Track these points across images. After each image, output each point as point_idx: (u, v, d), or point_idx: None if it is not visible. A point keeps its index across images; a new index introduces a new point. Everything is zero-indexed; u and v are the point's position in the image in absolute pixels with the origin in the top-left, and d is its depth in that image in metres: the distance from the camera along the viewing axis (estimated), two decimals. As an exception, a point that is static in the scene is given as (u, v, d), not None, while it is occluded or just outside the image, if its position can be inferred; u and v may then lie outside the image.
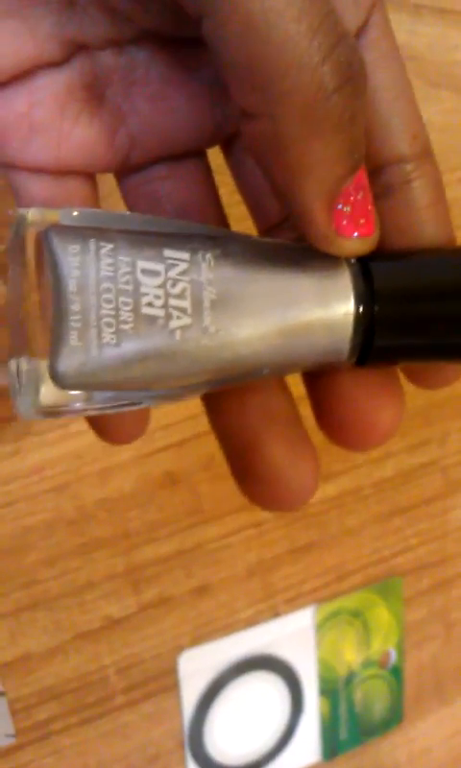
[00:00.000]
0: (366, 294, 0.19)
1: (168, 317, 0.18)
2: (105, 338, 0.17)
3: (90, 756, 0.41)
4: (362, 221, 0.18)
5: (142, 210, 0.21)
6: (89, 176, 0.21)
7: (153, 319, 0.18)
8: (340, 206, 0.18)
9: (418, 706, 0.50)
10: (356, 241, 0.18)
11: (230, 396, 0.21)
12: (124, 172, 0.21)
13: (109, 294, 0.18)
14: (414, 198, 0.19)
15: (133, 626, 0.40)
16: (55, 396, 0.18)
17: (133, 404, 0.19)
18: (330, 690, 0.47)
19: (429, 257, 0.20)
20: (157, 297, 0.18)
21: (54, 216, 0.18)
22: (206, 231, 0.19)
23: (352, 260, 0.19)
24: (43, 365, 0.18)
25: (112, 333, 0.18)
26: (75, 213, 0.19)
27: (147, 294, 0.18)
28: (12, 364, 0.18)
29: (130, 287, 0.18)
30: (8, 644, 0.38)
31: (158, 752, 0.43)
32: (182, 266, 0.18)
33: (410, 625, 0.48)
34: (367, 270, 0.19)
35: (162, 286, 0.18)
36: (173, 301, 0.18)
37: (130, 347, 0.18)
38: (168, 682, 0.42)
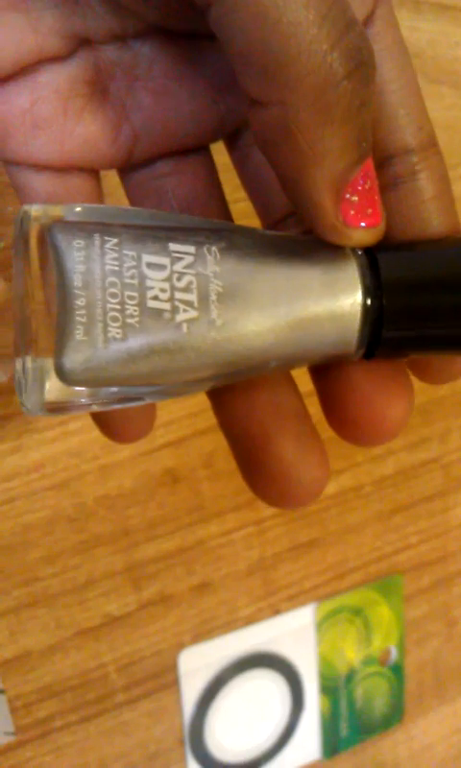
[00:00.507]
0: (374, 285, 0.19)
1: (174, 310, 0.18)
2: (111, 333, 0.17)
3: (90, 754, 0.41)
4: (369, 211, 0.18)
5: (146, 206, 0.21)
6: (93, 172, 0.21)
7: (159, 312, 0.18)
8: (348, 196, 0.18)
9: (418, 703, 0.50)
10: (363, 231, 0.18)
11: (237, 391, 0.21)
12: (127, 168, 0.21)
13: (115, 288, 0.17)
14: (420, 189, 0.19)
15: (133, 623, 0.40)
16: (60, 391, 0.18)
17: (139, 399, 0.19)
18: (331, 688, 0.46)
19: (436, 248, 0.19)
20: (163, 290, 0.18)
21: (57, 212, 0.18)
22: (211, 225, 0.19)
23: (359, 252, 0.19)
24: (49, 361, 0.17)
25: (118, 328, 0.17)
26: (78, 209, 0.18)
27: (152, 288, 0.18)
28: (18, 360, 0.18)
29: (135, 281, 0.18)
30: (8, 641, 0.37)
31: (159, 749, 0.42)
32: (188, 259, 0.18)
33: (411, 622, 0.48)
34: (374, 261, 0.19)
35: (168, 280, 0.18)
36: (179, 295, 0.18)
37: (136, 341, 0.17)
38: (168, 679, 0.42)
